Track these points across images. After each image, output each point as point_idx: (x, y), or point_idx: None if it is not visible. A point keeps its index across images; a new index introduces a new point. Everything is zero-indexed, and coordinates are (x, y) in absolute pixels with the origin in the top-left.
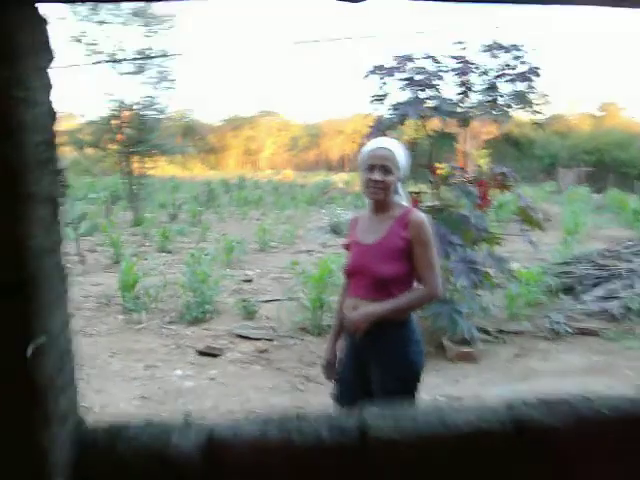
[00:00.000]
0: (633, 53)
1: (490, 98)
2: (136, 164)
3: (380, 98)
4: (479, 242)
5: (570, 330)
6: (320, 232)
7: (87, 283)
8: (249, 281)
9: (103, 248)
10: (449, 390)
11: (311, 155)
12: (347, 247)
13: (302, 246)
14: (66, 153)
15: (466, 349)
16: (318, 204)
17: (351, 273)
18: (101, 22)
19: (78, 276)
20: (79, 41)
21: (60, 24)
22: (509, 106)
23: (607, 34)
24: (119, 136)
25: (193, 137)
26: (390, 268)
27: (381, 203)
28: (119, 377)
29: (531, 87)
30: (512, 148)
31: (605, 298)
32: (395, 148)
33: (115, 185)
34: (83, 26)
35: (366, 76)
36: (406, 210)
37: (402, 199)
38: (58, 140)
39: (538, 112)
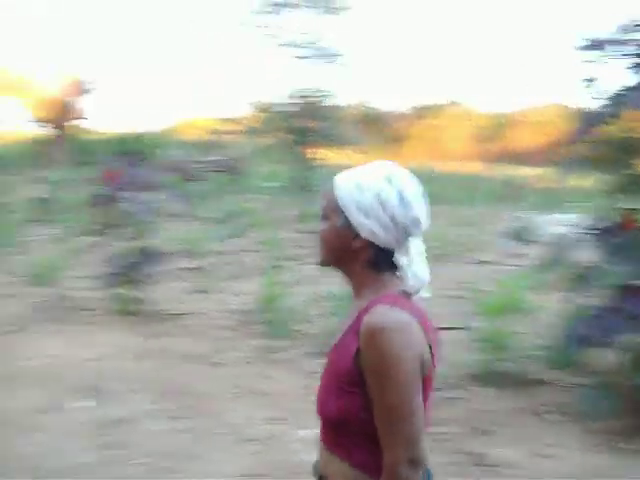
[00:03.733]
0: None
1: None
2: (310, 154)
3: (592, 82)
4: None
5: None
6: (504, 237)
7: (230, 292)
8: None
9: (263, 248)
10: None
11: (498, 147)
12: None
13: (483, 254)
14: (241, 141)
15: None
16: (503, 201)
17: None
18: (276, 5)
19: (224, 280)
20: (253, 25)
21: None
22: None
23: None
24: (292, 124)
25: (375, 126)
26: (335, 404)
27: (348, 280)
28: (232, 435)
29: None
30: None
31: None
32: (356, 181)
33: (289, 176)
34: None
35: (579, 50)
36: (373, 301)
37: (406, 274)
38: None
39: None
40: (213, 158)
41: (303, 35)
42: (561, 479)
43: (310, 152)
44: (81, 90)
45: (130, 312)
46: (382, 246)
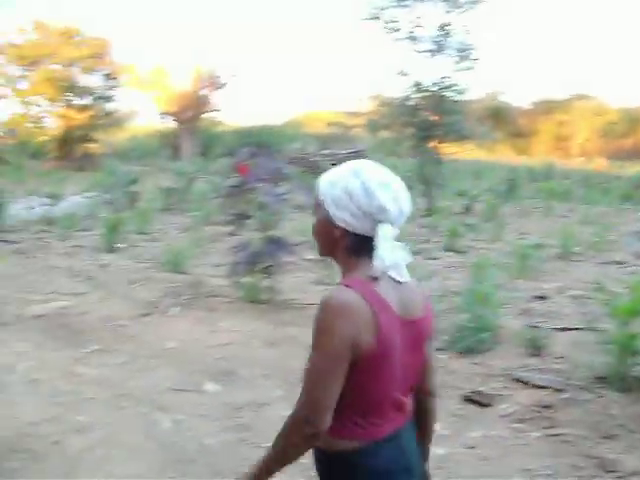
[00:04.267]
0: None
1: None
2: (434, 148)
3: None
4: None
5: None
6: (635, 238)
7: None
8: (543, 298)
9: None
10: None
11: (629, 143)
12: None
13: (613, 254)
14: (364, 134)
15: None
16: (634, 200)
17: None
18: None
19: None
20: (377, 18)
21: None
22: None
23: None
24: (416, 118)
25: (501, 120)
26: None
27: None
28: None
29: None
30: None
31: None
32: (330, 177)
33: (411, 170)
34: (382, 3)
35: None
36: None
37: (379, 261)
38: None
39: None
40: (336, 151)
41: (430, 28)
42: None
43: (435, 146)
44: (216, 84)
45: (259, 300)
46: (358, 233)
